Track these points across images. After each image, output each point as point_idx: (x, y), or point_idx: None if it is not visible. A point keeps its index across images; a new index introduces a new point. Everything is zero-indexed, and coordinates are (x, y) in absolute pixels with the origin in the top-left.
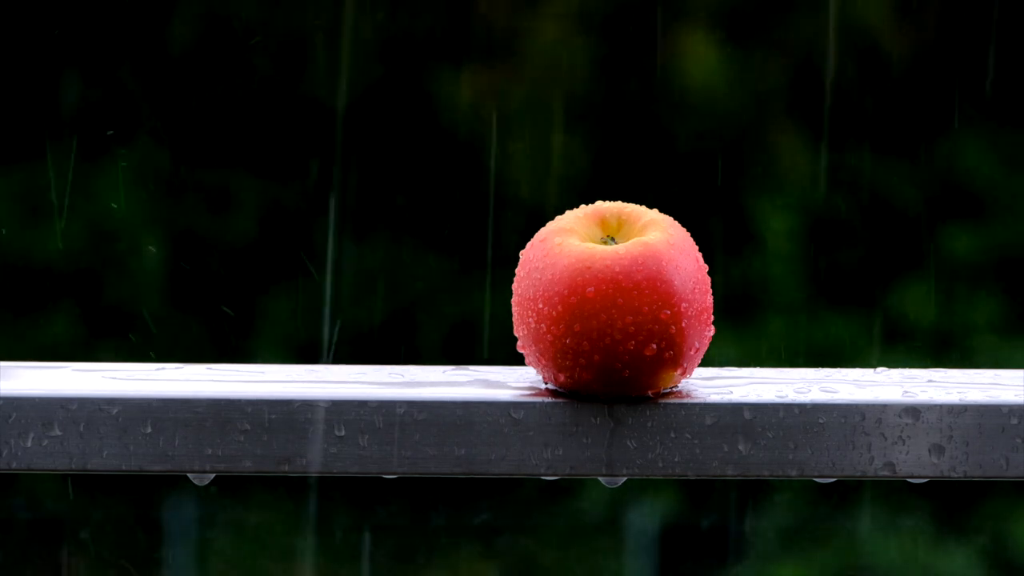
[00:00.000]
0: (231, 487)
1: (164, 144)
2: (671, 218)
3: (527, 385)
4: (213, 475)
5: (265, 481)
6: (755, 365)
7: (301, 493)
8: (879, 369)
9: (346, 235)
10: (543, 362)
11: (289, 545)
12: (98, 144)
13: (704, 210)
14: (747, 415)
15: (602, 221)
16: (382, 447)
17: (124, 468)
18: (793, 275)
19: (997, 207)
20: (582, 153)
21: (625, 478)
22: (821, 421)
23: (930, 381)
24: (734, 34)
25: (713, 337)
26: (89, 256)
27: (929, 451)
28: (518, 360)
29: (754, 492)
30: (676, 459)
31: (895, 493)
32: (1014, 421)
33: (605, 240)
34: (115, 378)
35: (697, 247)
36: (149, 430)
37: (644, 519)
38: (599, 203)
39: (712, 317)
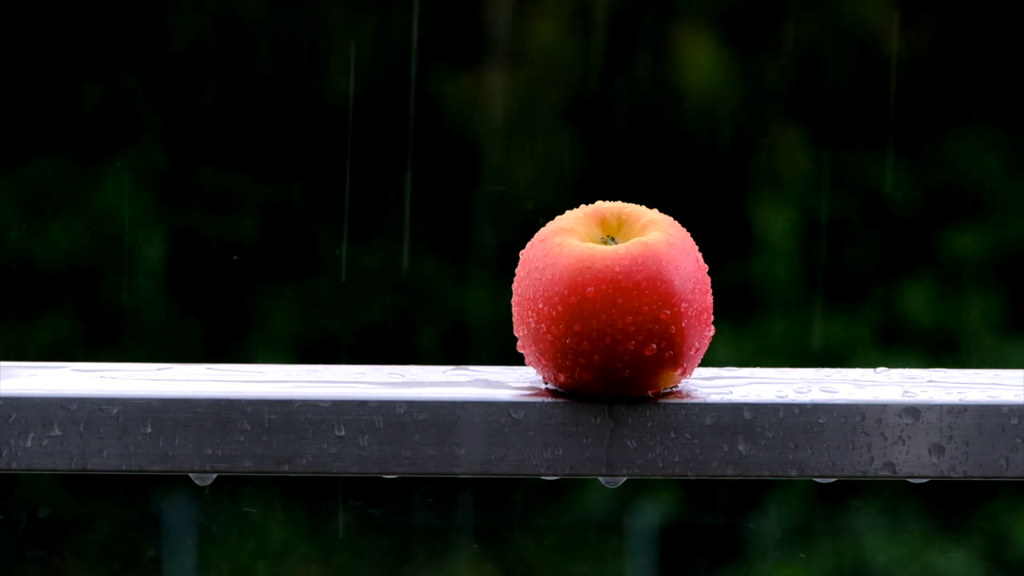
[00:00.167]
0: (231, 487)
1: (165, 145)
2: (671, 218)
3: (527, 385)
4: (215, 475)
5: (264, 481)
6: (755, 365)
7: (300, 493)
8: (879, 369)
9: (346, 235)
10: (543, 362)
11: (288, 545)
12: (99, 144)
13: (704, 210)
14: (747, 415)
15: (602, 221)
16: (382, 447)
17: (124, 468)
18: (793, 275)
19: (997, 207)
20: (582, 153)
21: (625, 478)
22: (821, 421)
23: (930, 381)
24: (734, 34)
25: (713, 337)
26: (89, 256)
27: (929, 451)
28: (518, 360)
29: (754, 492)
30: (676, 459)
31: (895, 493)
32: (1014, 421)
33: (605, 240)
34: (115, 378)
35: (697, 247)
36: (149, 430)
37: (644, 519)
38: (599, 203)
39: (712, 317)
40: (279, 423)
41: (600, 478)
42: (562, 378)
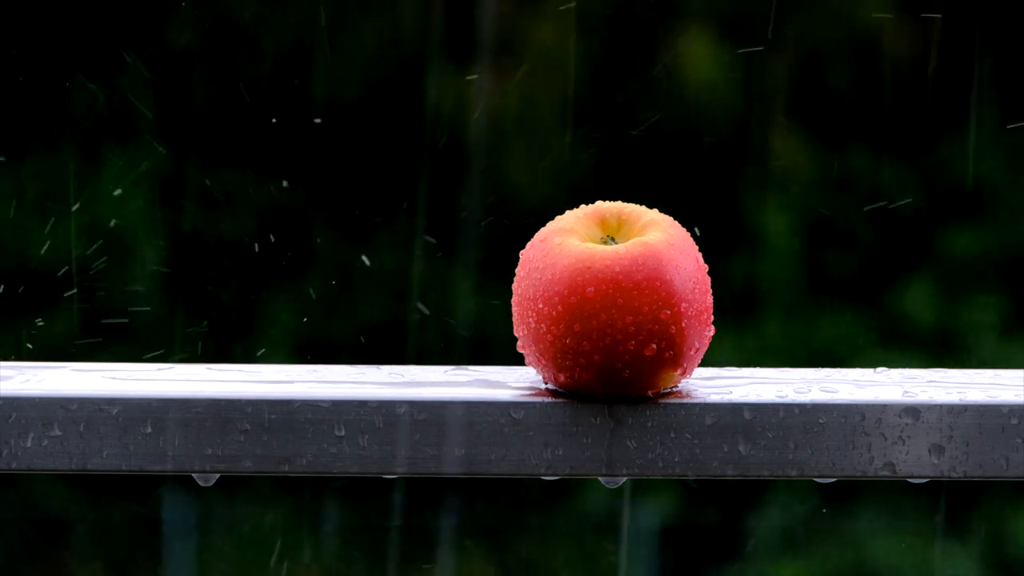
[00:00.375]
0: (231, 487)
1: (165, 144)
2: (671, 218)
3: (527, 385)
4: (217, 476)
5: (264, 481)
6: (755, 365)
7: (300, 493)
8: (879, 369)
9: (346, 235)
10: (543, 362)
11: (288, 545)
12: (99, 144)
13: (704, 210)
14: (747, 415)
15: (602, 221)
16: (382, 447)
17: (124, 468)
18: (793, 275)
19: (998, 207)
20: (582, 153)
21: (625, 478)
22: (821, 421)
23: (930, 381)
24: (734, 34)
25: (713, 337)
26: (90, 256)
27: (929, 451)
28: (518, 360)
29: (754, 492)
30: (676, 459)
31: (895, 493)
32: (1014, 421)
33: (605, 240)
34: (115, 378)
35: (697, 247)
36: (149, 430)
37: (644, 519)
38: (599, 203)
39: (712, 317)
40: (279, 423)
41: (600, 478)
42: (562, 378)
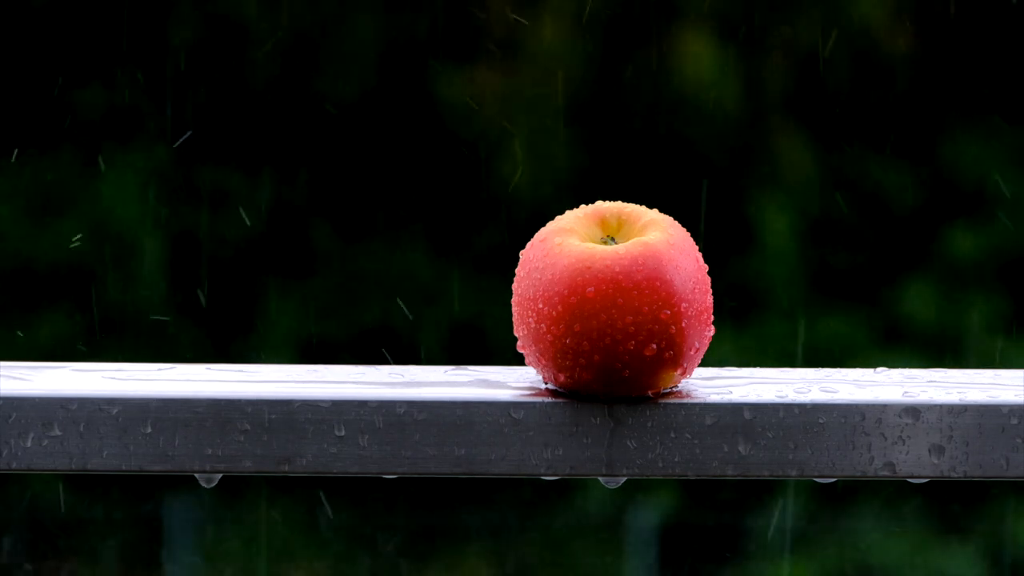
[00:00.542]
0: (230, 487)
1: (166, 144)
2: (671, 218)
3: (527, 385)
4: (219, 476)
5: (264, 481)
6: (755, 365)
7: (301, 493)
8: (879, 369)
9: (346, 235)
10: (543, 362)
11: (288, 544)
12: (99, 144)
13: (705, 210)
14: (747, 415)
15: (602, 221)
16: (382, 447)
17: (124, 468)
18: (793, 275)
19: (997, 207)
20: (582, 153)
21: (625, 478)
22: (821, 421)
23: (930, 381)
24: (734, 34)
25: (713, 337)
26: (90, 256)
27: (929, 451)
28: (518, 360)
29: (754, 492)
30: (676, 459)
31: (895, 493)
32: (1014, 421)
33: (605, 240)
34: (115, 378)
35: (697, 247)
36: (149, 430)
37: (644, 519)
38: (599, 203)
39: (712, 317)
40: (279, 423)
41: (600, 478)
42: (562, 378)
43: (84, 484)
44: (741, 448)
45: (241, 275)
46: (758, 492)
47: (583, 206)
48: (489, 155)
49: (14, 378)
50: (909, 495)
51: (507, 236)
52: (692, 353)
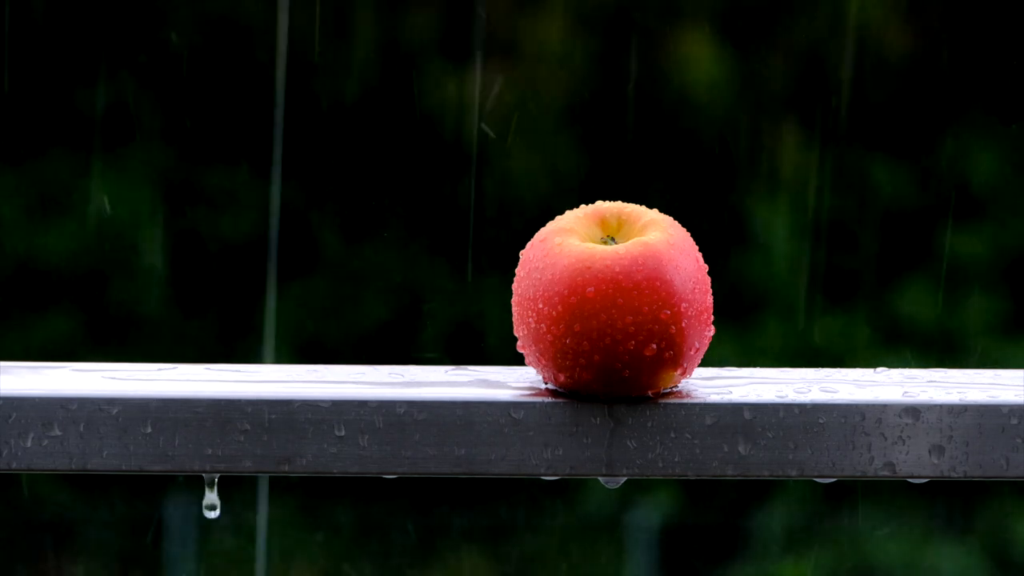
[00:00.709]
0: (230, 487)
1: (166, 144)
2: (671, 218)
3: (527, 385)
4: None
5: (264, 481)
6: (755, 365)
7: (301, 493)
8: (879, 369)
9: (346, 235)
10: (543, 362)
11: (288, 544)
12: (100, 144)
13: (704, 210)
14: (747, 415)
15: (602, 221)
16: (382, 447)
17: (124, 468)
18: (793, 275)
19: (998, 207)
20: (582, 153)
21: (625, 478)
22: (821, 421)
23: (930, 381)
24: (735, 34)
25: (713, 337)
26: (90, 256)
27: (929, 451)
28: (518, 360)
29: (754, 492)
30: (676, 459)
31: (895, 493)
32: (1014, 421)
33: (605, 240)
34: (115, 378)
35: (697, 247)
36: (149, 430)
37: (644, 519)
38: (599, 203)
39: (712, 317)
40: (279, 423)
41: (600, 478)
42: (562, 378)
43: (84, 484)
44: (741, 448)
45: (241, 275)
46: (758, 492)
47: (583, 206)
48: (489, 155)
49: (14, 378)
50: (909, 495)
51: (507, 236)
52: (692, 353)
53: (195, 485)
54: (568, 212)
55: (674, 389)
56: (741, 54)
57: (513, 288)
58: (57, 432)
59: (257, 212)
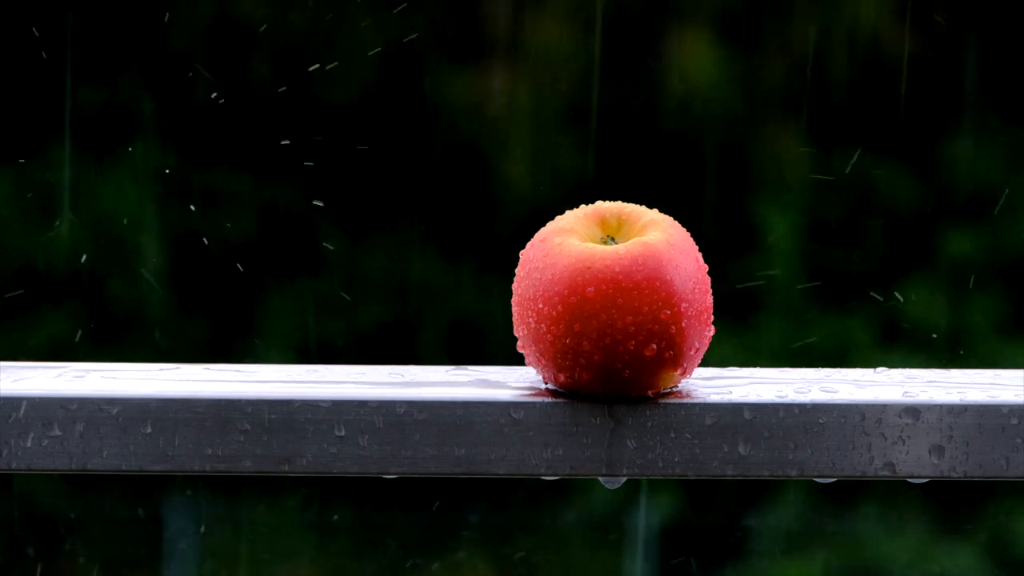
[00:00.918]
0: (230, 486)
1: (166, 144)
2: (671, 218)
3: (527, 385)
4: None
5: (264, 481)
6: (755, 365)
7: (300, 493)
8: (879, 369)
9: (346, 235)
10: (543, 362)
11: (288, 545)
12: (99, 144)
13: (704, 210)
14: (747, 415)
15: (602, 221)
16: (382, 447)
17: (124, 468)
18: (793, 275)
19: (998, 207)
20: (582, 153)
21: (625, 478)
22: (821, 421)
23: (930, 381)
24: (734, 34)
25: (713, 337)
26: (90, 256)
27: (929, 451)
28: (518, 360)
29: (755, 492)
30: (676, 459)
31: (895, 493)
32: (1014, 421)
33: (605, 240)
34: (115, 378)
35: (697, 247)
36: (149, 430)
37: (644, 519)
38: (599, 203)
39: (712, 317)
40: (279, 423)
41: (600, 478)
42: (562, 378)
43: (84, 484)
44: (741, 448)
45: (241, 275)
46: (758, 492)
47: (583, 206)
48: (489, 155)
49: (14, 378)
50: (909, 495)
51: (507, 236)
52: (692, 353)
53: (196, 485)
54: (568, 212)
55: (674, 389)
56: (742, 54)
57: (513, 288)
58: (57, 432)
59: (257, 212)
